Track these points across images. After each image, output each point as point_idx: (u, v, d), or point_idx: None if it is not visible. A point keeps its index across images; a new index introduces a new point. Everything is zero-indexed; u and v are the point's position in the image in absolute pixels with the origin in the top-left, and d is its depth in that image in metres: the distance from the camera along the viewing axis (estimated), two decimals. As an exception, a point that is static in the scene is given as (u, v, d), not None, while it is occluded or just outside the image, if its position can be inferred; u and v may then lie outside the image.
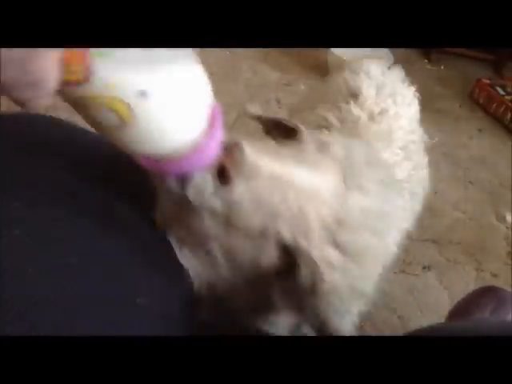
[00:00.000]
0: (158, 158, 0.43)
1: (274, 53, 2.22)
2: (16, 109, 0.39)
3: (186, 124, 0.43)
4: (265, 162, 0.49)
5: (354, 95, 0.91)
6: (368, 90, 0.91)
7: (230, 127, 1.77)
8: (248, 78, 2.04)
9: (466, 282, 1.37)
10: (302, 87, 2.06)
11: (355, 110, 0.87)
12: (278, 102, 1.95)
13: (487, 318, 0.96)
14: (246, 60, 2.13)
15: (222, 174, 0.48)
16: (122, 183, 0.53)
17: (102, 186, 0.50)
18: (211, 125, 0.45)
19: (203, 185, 0.48)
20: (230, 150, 0.48)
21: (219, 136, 0.46)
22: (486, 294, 1.10)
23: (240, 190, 0.48)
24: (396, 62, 2.07)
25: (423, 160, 0.98)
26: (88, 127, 0.63)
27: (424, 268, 1.38)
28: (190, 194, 0.48)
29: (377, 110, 0.89)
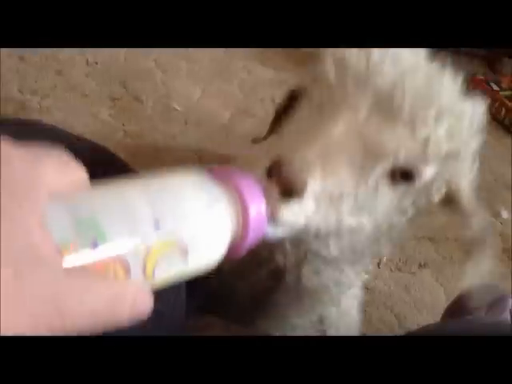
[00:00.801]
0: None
1: (267, 52, 2.21)
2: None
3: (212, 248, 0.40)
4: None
5: None
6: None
7: (224, 127, 1.76)
8: (242, 78, 2.03)
9: (463, 280, 1.37)
10: (297, 86, 2.06)
11: None
12: (273, 100, 1.94)
13: (481, 318, 0.96)
14: (240, 59, 2.12)
15: (291, 193, 0.48)
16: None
17: None
18: (244, 225, 0.42)
19: (289, 210, 0.49)
20: (277, 173, 0.48)
21: (258, 221, 0.43)
22: (480, 294, 1.10)
23: (313, 186, 0.49)
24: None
25: None
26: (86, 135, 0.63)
27: (420, 266, 1.38)
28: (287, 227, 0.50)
29: None
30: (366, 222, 0.57)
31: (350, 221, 0.55)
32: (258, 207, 0.43)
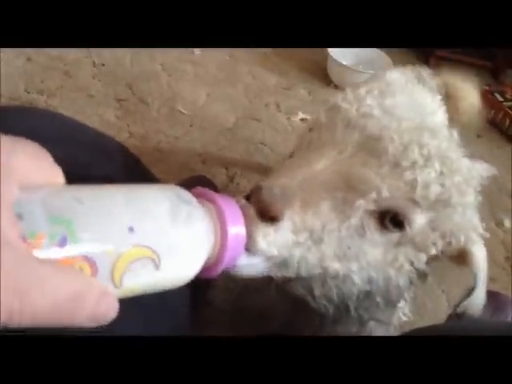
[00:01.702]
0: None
1: (273, 57, 2.22)
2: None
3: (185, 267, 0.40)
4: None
5: None
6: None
7: (228, 130, 1.77)
8: (247, 83, 2.04)
9: (464, 286, 1.36)
10: (302, 91, 2.06)
11: None
12: (278, 105, 1.95)
13: (481, 319, 0.95)
14: (246, 64, 2.13)
15: (268, 218, 0.48)
16: (114, 173, 0.53)
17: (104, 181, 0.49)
18: (221, 244, 0.43)
19: (263, 237, 0.48)
20: (256, 197, 0.48)
21: (235, 241, 0.44)
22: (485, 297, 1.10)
23: (291, 214, 0.49)
24: (395, 66, 2.08)
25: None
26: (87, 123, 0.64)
27: (422, 272, 1.38)
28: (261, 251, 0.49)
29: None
30: (354, 270, 0.54)
31: (335, 265, 0.53)
32: (236, 228, 0.43)
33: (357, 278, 0.55)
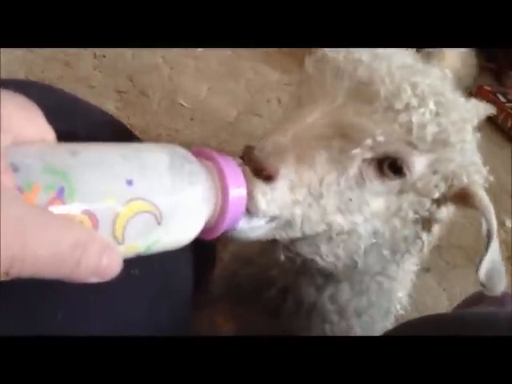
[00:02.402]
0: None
1: (274, 53, 2.21)
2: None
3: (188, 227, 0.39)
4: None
5: None
6: None
7: (229, 125, 1.75)
8: (249, 78, 2.03)
9: (465, 285, 1.35)
10: (304, 88, 2.05)
11: None
12: (279, 101, 1.94)
13: (473, 309, 0.94)
14: (247, 60, 2.12)
15: (264, 177, 0.47)
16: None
17: None
18: (222, 206, 0.42)
19: (262, 196, 0.47)
20: (248, 157, 0.47)
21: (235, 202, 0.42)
22: (485, 297, 1.09)
23: (287, 171, 0.48)
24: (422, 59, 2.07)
25: None
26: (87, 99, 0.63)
27: (423, 270, 1.37)
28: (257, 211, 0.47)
29: None
30: (359, 223, 0.53)
31: (338, 219, 0.52)
32: (238, 187, 0.42)
33: (362, 231, 0.54)
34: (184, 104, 1.79)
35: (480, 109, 0.59)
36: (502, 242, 1.52)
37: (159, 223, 0.34)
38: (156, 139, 1.61)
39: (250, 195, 0.46)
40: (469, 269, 1.41)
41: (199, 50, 2.09)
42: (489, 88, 2.17)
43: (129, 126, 1.68)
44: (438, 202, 0.57)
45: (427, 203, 0.56)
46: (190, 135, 1.67)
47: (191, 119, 1.74)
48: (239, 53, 2.15)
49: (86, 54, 1.89)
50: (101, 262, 0.29)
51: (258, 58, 2.16)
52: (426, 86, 0.52)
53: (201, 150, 0.43)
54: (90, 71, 1.82)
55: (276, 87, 2.01)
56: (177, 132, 1.67)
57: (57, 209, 0.28)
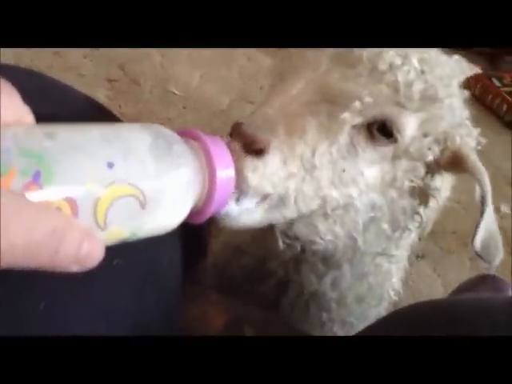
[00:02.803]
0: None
1: (268, 40, 2.19)
2: None
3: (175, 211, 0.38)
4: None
5: None
6: None
7: (222, 112, 1.74)
8: (242, 65, 2.00)
9: (460, 271, 1.35)
10: (297, 74, 2.04)
11: None
12: (273, 88, 1.92)
13: (467, 295, 0.94)
14: (241, 47, 2.10)
15: (254, 151, 0.46)
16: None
17: None
18: (209, 190, 0.40)
19: (253, 172, 0.46)
20: (237, 132, 0.46)
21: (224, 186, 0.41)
22: (481, 283, 1.09)
23: (277, 143, 0.47)
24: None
25: None
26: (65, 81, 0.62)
27: (418, 257, 1.37)
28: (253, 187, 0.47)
29: None
30: (355, 196, 0.52)
31: (333, 193, 0.51)
32: (225, 167, 0.40)
33: (359, 204, 0.53)
34: (176, 92, 1.77)
35: (464, 65, 0.59)
36: (499, 229, 1.52)
37: (143, 207, 0.33)
38: (148, 128, 1.60)
39: (240, 172, 0.45)
40: (463, 255, 1.41)
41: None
42: (484, 73, 2.15)
43: (120, 115, 1.67)
44: (432, 170, 0.56)
45: (421, 170, 0.55)
46: (182, 123, 1.66)
47: (184, 107, 1.72)
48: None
49: (76, 42, 1.87)
50: (81, 250, 0.28)
51: (251, 44, 2.14)
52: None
53: (187, 130, 0.41)
54: (80, 60, 1.79)
55: (269, 73, 1.99)
56: (169, 120, 1.65)
57: (33, 194, 0.27)
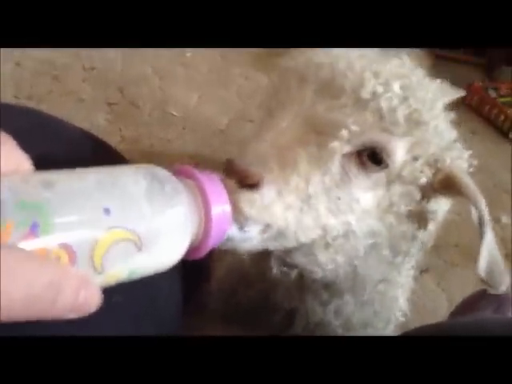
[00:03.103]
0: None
1: (265, 58, 2.20)
2: None
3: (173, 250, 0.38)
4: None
5: None
6: None
7: (221, 132, 1.75)
8: (240, 84, 2.02)
9: (465, 284, 1.35)
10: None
11: None
12: (271, 106, 1.93)
13: (490, 316, 0.94)
14: (238, 66, 2.12)
15: (249, 186, 0.47)
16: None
17: None
18: (206, 226, 0.41)
19: (249, 204, 0.47)
20: (230, 169, 0.47)
21: (221, 221, 0.41)
22: (485, 296, 1.08)
23: (271, 176, 0.48)
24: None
25: None
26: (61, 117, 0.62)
27: (421, 271, 1.36)
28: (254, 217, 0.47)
29: None
30: (353, 223, 0.53)
31: (331, 221, 0.52)
32: (221, 204, 0.41)
33: (358, 231, 0.54)
34: (175, 113, 1.78)
35: (446, 88, 0.60)
36: (500, 240, 1.52)
37: (139, 249, 0.34)
38: (148, 150, 1.61)
39: (237, 206, 0.46)
40: (467, 267, 1.41)
41: (189, 57, 2.08)
42: (480, 84, 2.17)
43: (120, 139, 1.68)
44: (427, 195, 0.57)
45: (416, 194, 0.55)
46: (182, 144, 1.67)
47: (183, 128, 1.73)
48: (228, 58, 2.15)
49: (75, 66, 1.88)
50: (78, 299, 0.28)
51: (248, 62, 2.15)
52: (388, 72, 0.53)
53: (181, 168, 0.42)
54: (79, 84, 1.81)
55: (265, 93, 2.01)
56: (169, 142, 1.66)
57: (31, 244, 0.27)
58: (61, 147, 0.50)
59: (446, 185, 0.56)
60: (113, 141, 1.59)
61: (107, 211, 0.32)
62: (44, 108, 1.64)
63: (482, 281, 0.54)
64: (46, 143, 0.47)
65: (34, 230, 0.27)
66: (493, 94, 2.12)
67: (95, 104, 1.73)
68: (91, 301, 0.29)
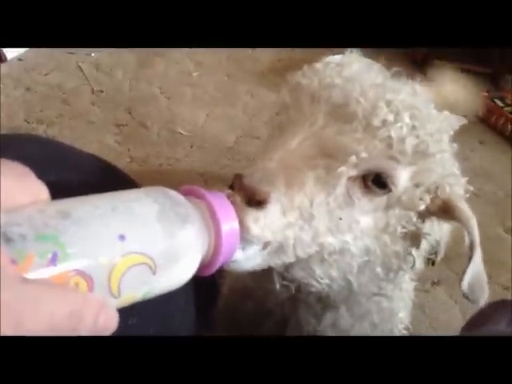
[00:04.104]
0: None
1: (270, 75, 2.23)
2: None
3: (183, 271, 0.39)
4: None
5: None
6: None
7: (229, 149, 1.76)
8: (246, 101, 2.04)
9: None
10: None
11: None
12: (277, 122, 1.94)
13: (504, 330, 0.93)
14: (243, 84, 2.14)
15: (256, 203, 0.48)
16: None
17: None
18: (216, 243, 0.42)
19: (255, 223, 0.47)
20: (238, 185, 0.48)
21: (230, 241, 0.43)
22: (499, 308, 1.07)
23: (277, 195, 0.49)
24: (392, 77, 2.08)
25: None
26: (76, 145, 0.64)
27: (433, 283, 1.35)
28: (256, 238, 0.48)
29: None
30: (350, 242, 0.54)
31: (329, 239, 0.53)
32: (230, 223, 0.42)
33: (353, 249, 0.55)
34: (183, 132, 1.80)
35: (453, 120, 0.61)
36: (511, 249, 1.51)
37: (154, 272, 0.35)
38: (157, 169, 1.62)
39: (243, 224, 0.46)
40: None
41: (195, 76, 2.11)
42: (486, 94, 2.17)
43: (129, 159, 1.70)
44: (423, 216, 0.58)
45: (413, 217, 0.57)
46: (190, 163, 1.68)
47: (191, 147, 1.75)
48: (234, 76, 2.17)
49: (84, 89, 1.92)
50: (97, 324, 0.29)
51: (254, 80, 2.18)
52: (400, 102, 0.54)
53: (190, 188, 0.43)
54: (88, 107, 1.84)
55: (273, 108, 2.02)
56: (177, 161, 1.68)
57: (51, 273, 0.28)
58: (73, 174, 0.52)
59: (443, 209, 0.57)
60: (122, 161, 1.61)
61: (122, 237, 0.33)
62: (54, 131, 1.68)
63: (464, 295, 0.57)
64: (60, 170, 0.48)
65: (53, 260, 0.29)
66: (499, 103, 2.12)
67: (104, 126, 1.76)
68: (110, 324, 0.30)
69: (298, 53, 2.40)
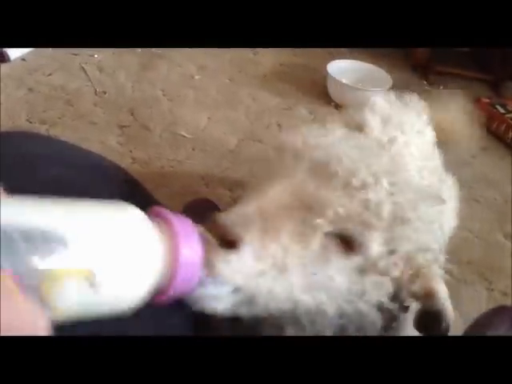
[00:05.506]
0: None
1: (272, 79, 2.24)
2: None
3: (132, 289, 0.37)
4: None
5: (360, 127, 0.92)
6: (373, 122, 0.93)
7: (231, 152, 1.77)
8: (248, 105, 2.05)
9: (478, 302, 1.34)
10: (303, 111, 2.07)
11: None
12: (279, 126, 1.95)
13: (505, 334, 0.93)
14: (245, 87, 2.15)
15: (227, 244, 0.47)
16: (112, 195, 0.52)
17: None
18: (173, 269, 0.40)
19: (224, 263, 0.47)
20: (212, 223, 0.48)
21: (189, 266, 0.41)
22: (498, 314, 1.07)
23: (250, 239, 0.48)
24: (394, 83, 2.09)
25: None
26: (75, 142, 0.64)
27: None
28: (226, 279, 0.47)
29: (385, 139, 0.89)
30: (325, 301, 0.53)
31: (304, 297, 0.52)
32: (190, 250, 0.40)
33: (329, 310, 0.54)
34: (185, 135, 1.80)
35: (432, 191, 0.62)
36: (510, 255, 1.51)
37: (93, 286, 0.33)
38: (159, 171, 1.63)
39: (212, 262, 0.46)
40: (480, 285, 1.40)
41: (197, 79, 2.12)
42: (487, 100, 2.17)
43: (131, 160, 1.70)
44: (398, 295, 0.57)
45: (389, 286, 0.56)
46: (192, 165, 1.68)
47: (193, 149, 1.75)
48: (236, 80, 2.18)
49: (87, 91, 1.92)
50: (29, 331, 0.29)
51: (256, 83, 2.18)
52: (380, 167, 0.56)
53: (158, 210, 0.42)
54: (91, 108, 1.84)
55: (275, 112, 2.03)
56: (179, 163, 1.68)
57: None
58: (74, 171, 0.52)
59: (420, 287, 0.57)
60: (124, 163, 1.61)
61: (65, 245, 0.31)
62: (57, 132, 1.68)
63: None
64: (62, 167, 0.48)
65: None
66: (501, 109, 2.13)
67: (107, 127, 1.76)
68: (40, 331, 0.30)
69: (299, 57, 2.42)
